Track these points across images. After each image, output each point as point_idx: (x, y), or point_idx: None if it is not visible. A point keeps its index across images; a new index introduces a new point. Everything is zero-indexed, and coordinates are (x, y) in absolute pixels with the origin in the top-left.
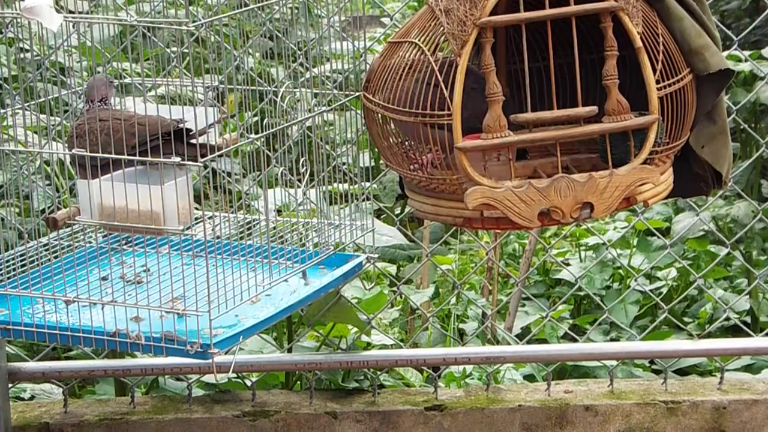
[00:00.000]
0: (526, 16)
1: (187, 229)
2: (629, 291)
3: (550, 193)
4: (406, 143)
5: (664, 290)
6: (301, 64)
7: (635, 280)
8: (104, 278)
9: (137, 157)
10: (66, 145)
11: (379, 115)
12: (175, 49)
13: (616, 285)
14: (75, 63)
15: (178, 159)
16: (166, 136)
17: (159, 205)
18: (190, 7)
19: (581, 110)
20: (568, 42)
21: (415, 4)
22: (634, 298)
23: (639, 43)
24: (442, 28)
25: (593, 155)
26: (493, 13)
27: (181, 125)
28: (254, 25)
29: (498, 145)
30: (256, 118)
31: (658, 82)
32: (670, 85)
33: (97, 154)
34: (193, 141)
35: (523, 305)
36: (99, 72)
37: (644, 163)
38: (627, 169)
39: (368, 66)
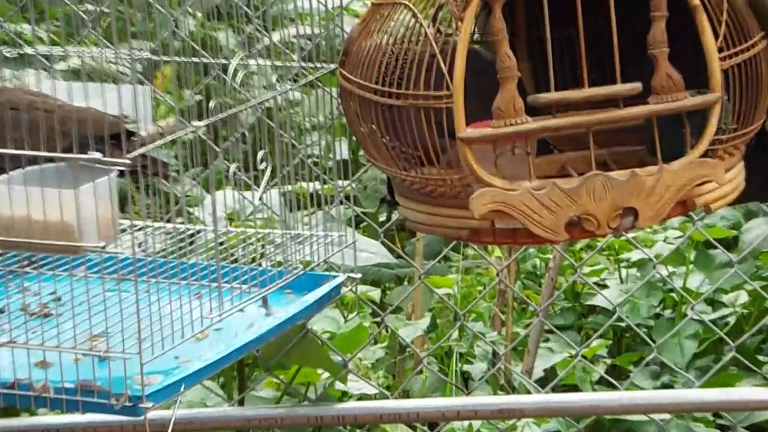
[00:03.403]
0: None
1: (110, 245)
2: (685, 321)
3: (581, 195)
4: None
5: (732, 320)
6: (257, 28)
7: (692, 308)
8: None
9: (40, 153)
10: None
11: (359, 98)
12: (90, 7)
13: (667, 313)
14: None
15: (98, 154)
16: (111, 139)
17: (72, 215)
18: None
19: (620, 88)
20: (603, 1)
21: None
22: (692, 331)
23: (696, 0)
24: None
25: (638, 147)
26: None
27: (128, 123)
28: None
29: (512, 134)
30: (198, 98)
31: (721, 50)
32: (737, 54)
33: None
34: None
35: (547, 340)
36: None
37: (704, 155)
38: (681, 164)
39: (346, 34)
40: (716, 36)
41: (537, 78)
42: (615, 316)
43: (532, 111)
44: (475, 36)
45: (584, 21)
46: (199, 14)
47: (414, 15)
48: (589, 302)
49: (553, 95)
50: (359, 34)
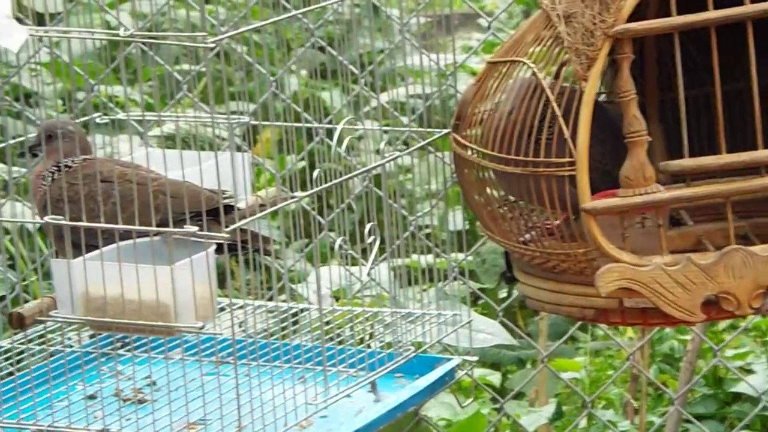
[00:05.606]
0: (681, 22)
1: (208, 325)
2: None
3: (719, 272)
4: (517, 203)
5: None
6: (364, 88)
7: None
8: (91, 396)
9: (135, 227)
10: (38, 207)
11: (476, 165)
12: (186, 66)
13: None
14: (45, 87)
15: (194, 228)
16: (208, 214)
17: (168, 293)
18: (209, 5)
19: (762, 154)
20: (742, 59)
21: None
22: None
23: None
24: (562, 41)
25: None
26: (634, 18)
27: (228, 200)
28: (299, 31)
29: (642, 204)
30: (302, 165)
31: None
32: None
33: (79, 223)
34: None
35: (686, 431)
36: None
37: None
38: None
39: (460, 95)
40: None
41: (670, 141)
42: (761, 405)
43: (664, 178)
44: (602, 96)
45: (723, 78)
46: (304, 72)
47: (534, 74)
48: (733, 389)
49: (686, 162)
50: (473, 96)
